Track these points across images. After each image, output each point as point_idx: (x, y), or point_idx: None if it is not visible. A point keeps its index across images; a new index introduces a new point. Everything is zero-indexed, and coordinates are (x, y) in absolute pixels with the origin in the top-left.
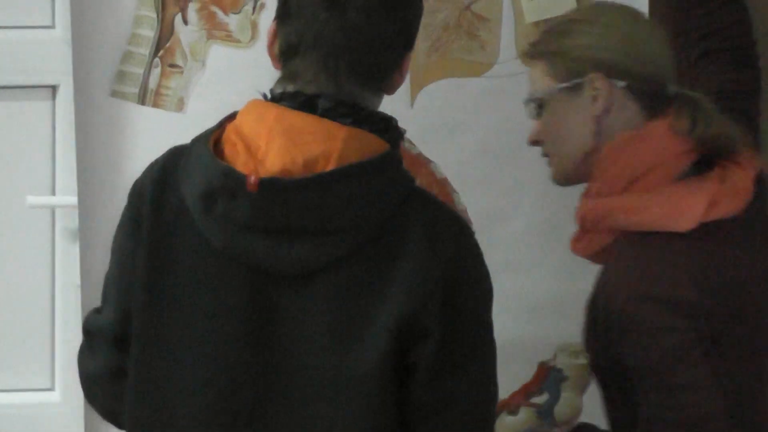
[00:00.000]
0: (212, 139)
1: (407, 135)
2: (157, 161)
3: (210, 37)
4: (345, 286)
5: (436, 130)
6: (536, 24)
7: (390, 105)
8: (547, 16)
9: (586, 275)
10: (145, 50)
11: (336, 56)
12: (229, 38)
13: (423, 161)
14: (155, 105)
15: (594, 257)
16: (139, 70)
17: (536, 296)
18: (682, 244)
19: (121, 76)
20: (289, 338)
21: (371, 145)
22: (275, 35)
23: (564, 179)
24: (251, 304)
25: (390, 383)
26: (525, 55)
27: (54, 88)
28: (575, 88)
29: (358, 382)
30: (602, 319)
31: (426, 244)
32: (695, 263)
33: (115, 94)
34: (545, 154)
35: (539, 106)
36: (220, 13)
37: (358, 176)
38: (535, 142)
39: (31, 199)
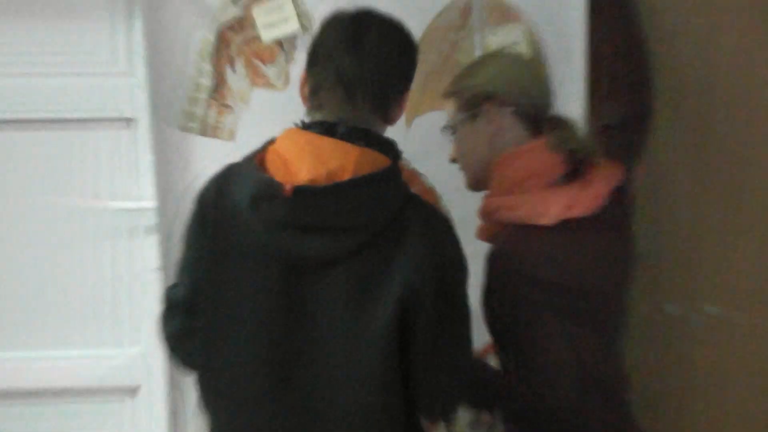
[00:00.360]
0: (258, 158)
1: (404, 155)
2: (216, 175)
3: (253, 83)
4: (360, 270)
5: (426, 150)
6: None
7: (391, 131)
8: None
9: None
10: (204, 95)
11: (355, 88)
12: (267, 84)
13: (416, 174)
14: (213, 136)
15: (489, 241)
16: (200, 110)
17: None
18: (545, 235)
19: (187, 115)
20: (317, 309)
21: (378, 161)
22: (306, 80)
23: (473, 185)
24: (287, 284)
25: (395, 342)
26: (443, 96)
27: (132, 120)
28: (475, 116)
29: (370, 342)
30: (487, 288)
31: (422, 237)
32: (554, 250)
33: (183, 128)
34: (461, 168)
35: (452, 132)
36: (260, 65)
37: (367, 184)
38: (453, 160)
39: (117, 204)
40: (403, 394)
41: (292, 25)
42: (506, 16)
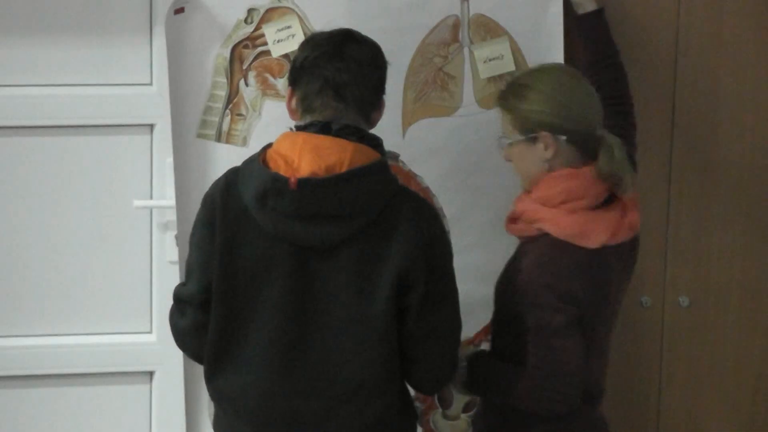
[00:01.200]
0: (260, 159)
1: (401, 158)
2: (220, 179)
3: (264, 94)
4: (360, 251)
5: (420, 154)
6: (488, 79)
7: (389, 137)
8: (495, 74)
9: None
10: (219, 105)
11: (344, 90)
12: (277, 95)
13: (412, 175)
14: (227, 142)
15: (520, 237)
16: (216, 119)
17: (493, 266)
18: (583, 255)
19: (203, 123)
20: (321, 291)
21: (370, 155)
22: (292, 94)
23: (527, 188)
24: (294, 270)
25: (392, 320)
26: (497, 102)
27: (152, 126)
28: (532, 140)
29: (370, 320)
30: (514, 285)
31: (412, 224)
32: (586, 269)
33: (200, 135)
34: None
35: (509, 144)
36: (270, 78)
37: (363, 175)
38: (509, 160)
39: (137, 202)
40: (398, 369)
41: (298, 41)
42: (492, 31)
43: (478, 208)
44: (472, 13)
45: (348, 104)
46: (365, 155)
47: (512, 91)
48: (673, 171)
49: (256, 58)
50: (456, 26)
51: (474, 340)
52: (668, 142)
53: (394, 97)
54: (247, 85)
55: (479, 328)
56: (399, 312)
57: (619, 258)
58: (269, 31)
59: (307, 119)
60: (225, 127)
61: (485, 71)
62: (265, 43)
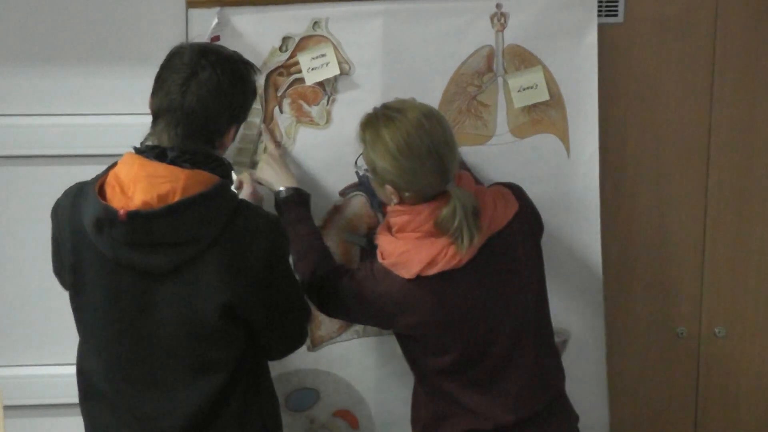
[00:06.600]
0: (99, 183)
1: None
2: (69, 191)
3: (298, 121)
4: (196, 277)
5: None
6: (521, 108)
7: None
8: (528, 103)
9: None
10: (254, 132)
11: (186, 118)
12: (311, 122)
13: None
14: None
15: None
16: (250, 146)
17: None
18: (397, 284)
19: (238, 151)
20: (159, 312)
21: (206, 180)
22: (151, 104)
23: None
24: (133, 292)
25: (225, 345)
26: (362, 126)
27: None
28: (381, 185)
29: (200, 347)
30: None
31: (248, 242)
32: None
33: (235, 163)
34: None
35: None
36: (305, 105)
37: (195, 203)
38: None
39: None
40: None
41: (333, 69)
42: (526, 61)
43: None
44: (506, 43)
45: (189, 130)
46: (201, 181)
47: (371, 128)
48: (709, 202)
49: (290, 85)
50: (490, 56)
51: None
52: (704, 172)
53: None
54: (281, 112)
55: None
56: (243, 323)
57: (472, 280)
58: (304, 59)
59: (152, 140)
60: (260, 154)
61: (519, 100)
62: (300, 71)
